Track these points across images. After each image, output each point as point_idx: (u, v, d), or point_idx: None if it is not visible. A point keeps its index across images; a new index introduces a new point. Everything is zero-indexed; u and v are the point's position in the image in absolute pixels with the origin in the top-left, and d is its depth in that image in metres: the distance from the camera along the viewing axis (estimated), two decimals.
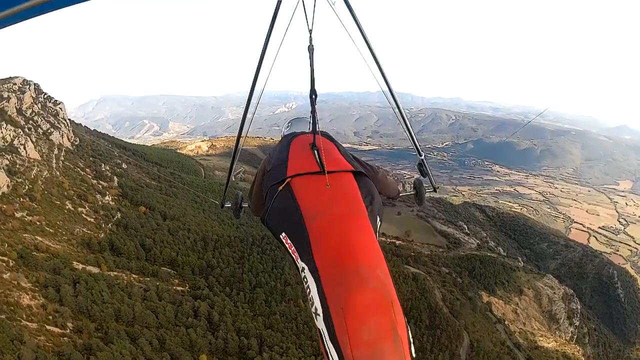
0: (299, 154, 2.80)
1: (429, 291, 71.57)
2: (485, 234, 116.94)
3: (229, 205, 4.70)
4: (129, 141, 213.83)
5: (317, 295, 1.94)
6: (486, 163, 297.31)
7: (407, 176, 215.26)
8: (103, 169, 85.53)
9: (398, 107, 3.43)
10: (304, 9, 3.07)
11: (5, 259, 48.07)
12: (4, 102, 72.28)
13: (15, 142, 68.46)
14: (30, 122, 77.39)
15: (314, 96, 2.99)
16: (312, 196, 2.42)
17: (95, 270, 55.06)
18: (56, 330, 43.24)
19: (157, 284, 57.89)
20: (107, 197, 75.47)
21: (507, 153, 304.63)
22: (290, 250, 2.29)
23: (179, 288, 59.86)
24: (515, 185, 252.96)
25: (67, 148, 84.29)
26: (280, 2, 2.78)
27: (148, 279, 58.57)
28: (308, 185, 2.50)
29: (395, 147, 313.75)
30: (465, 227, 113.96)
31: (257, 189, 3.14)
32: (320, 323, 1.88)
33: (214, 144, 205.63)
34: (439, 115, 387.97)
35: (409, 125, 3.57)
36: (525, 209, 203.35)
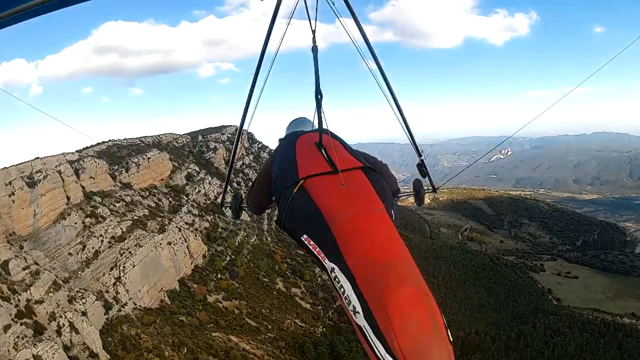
0: (307, 154, 2.77)
1: None
2: None
3: (228, 206, 4.39)
4: None
5: (353, 294, 2.02)
6: None
7: (632, 229, 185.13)
8: None
9: (398, 106, 3.33)
10: (307, 9, 2.91)
11: None
12: (210, 152, 62.54)
13: (221, 198, 55.33)
14: (240, 174, 66.34)
15: (319, 96, 2.90)
16: (330, 197, 2.42)
17: None
18: None
19: None
20: None
21: None
22: (315, 252, 2.29)
23: None
24: None
25: None
26: (280, 2, 2.73)
27: None
28: (324, 186, 2.49)
29: (617, 196, 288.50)
30: None
31: (258, 189, 3.20)
32: (361, 320, 1.96)
33: (435, 195, 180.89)
34: None
35: (408, 125, 3.51)
36: None
